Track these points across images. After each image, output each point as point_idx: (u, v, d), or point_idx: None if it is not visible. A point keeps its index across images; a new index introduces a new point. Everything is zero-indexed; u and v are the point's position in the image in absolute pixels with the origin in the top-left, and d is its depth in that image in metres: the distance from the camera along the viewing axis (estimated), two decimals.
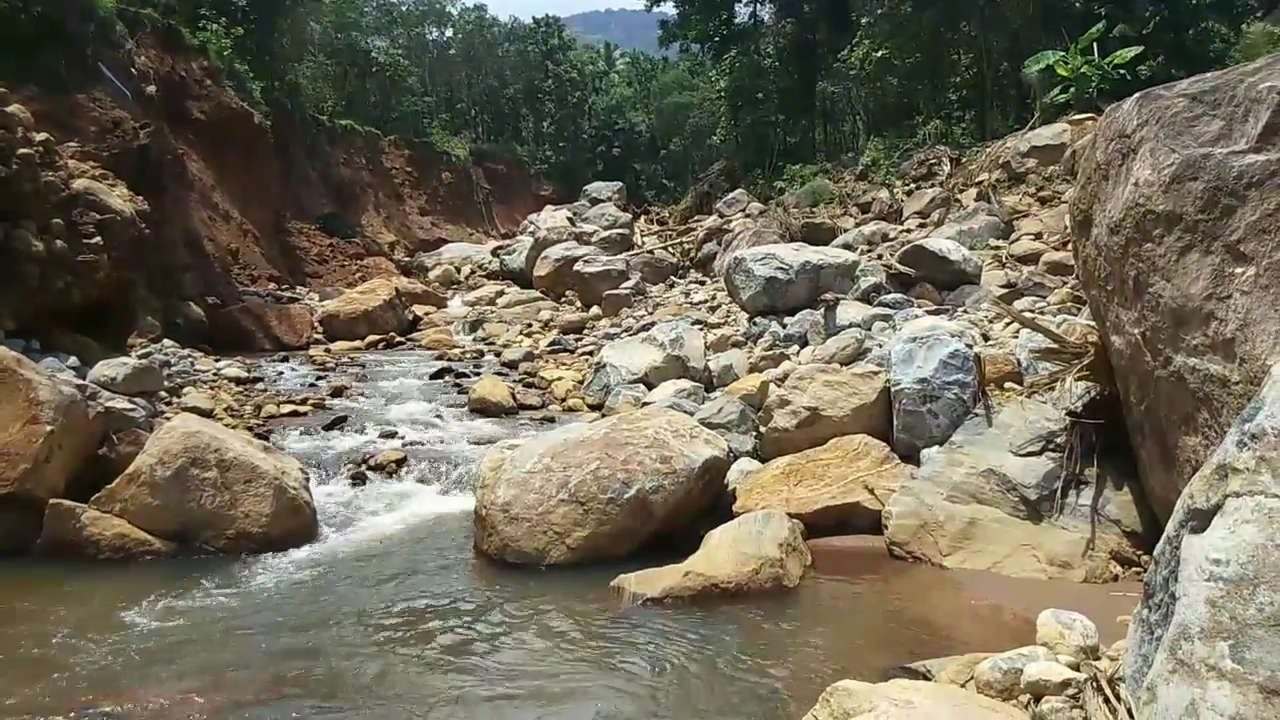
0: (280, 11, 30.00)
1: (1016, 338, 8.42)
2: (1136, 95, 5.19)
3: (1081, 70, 17.11)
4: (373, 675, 4.49)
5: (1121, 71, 16.70)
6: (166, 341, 13.53)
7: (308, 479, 7.13)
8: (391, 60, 40.13)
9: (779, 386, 7.87)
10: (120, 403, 7.33)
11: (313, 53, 36.26)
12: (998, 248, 13.98)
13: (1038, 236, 14.07)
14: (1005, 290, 11.47)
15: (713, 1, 29.85)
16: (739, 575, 5.43)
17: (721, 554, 5.62)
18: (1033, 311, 10.03)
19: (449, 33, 48.93)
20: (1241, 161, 4.40)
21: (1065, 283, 11.03)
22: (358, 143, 35.63)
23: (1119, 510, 5.76)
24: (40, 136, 9.87)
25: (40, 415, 6.25)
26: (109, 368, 8.85)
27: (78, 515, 6.11)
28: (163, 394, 9.71)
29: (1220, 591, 2.48)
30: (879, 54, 22.64)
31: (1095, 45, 17.35)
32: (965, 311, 10.33)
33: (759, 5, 30.50)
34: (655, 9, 31.75)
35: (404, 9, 46.20)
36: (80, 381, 7.42)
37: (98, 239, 10.07)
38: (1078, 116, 16.47)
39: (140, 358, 10.91)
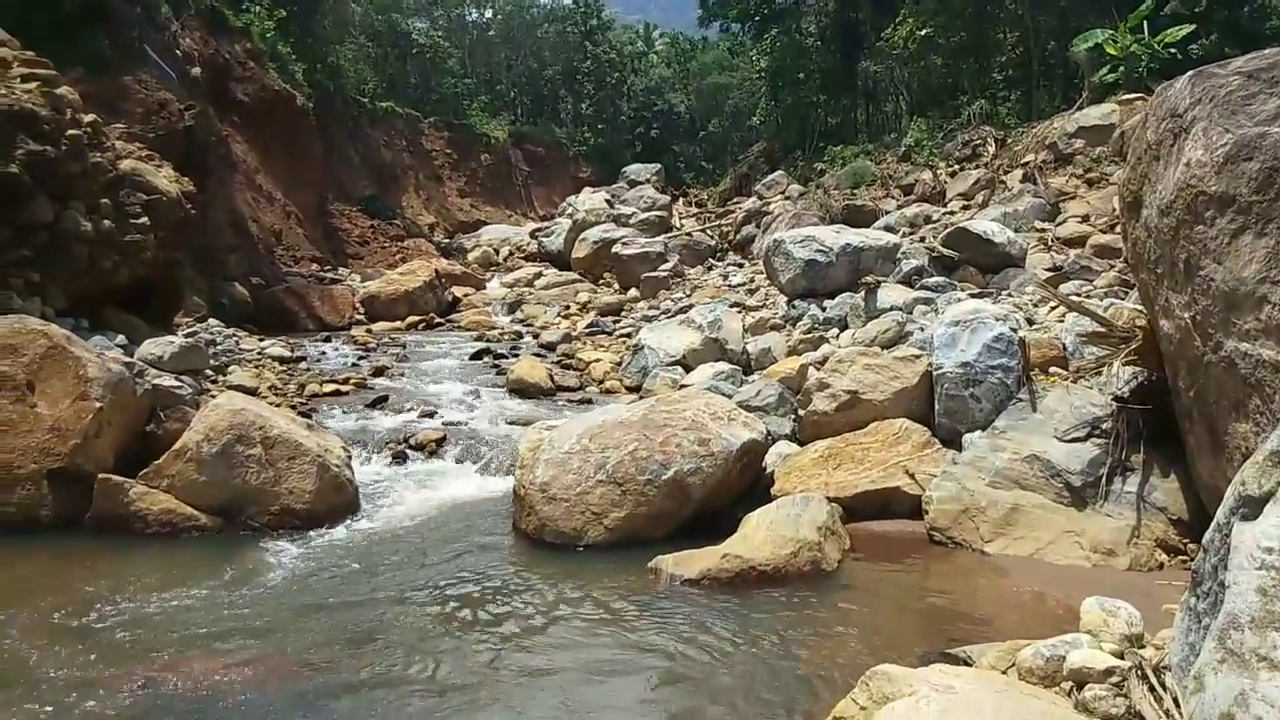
0: None
1: (1062, 321, 8.29)
2: (1189, 73, 5.06)
3: (1131, 49, 16.71)
4: (414, 651, 4.54)
5: (1173, 50, 16.29)
6: (212, 321, 13.75)
7: (350, 457, 7.21)
8: (431, 42, 40.18)
9: (818, 369, 7.82)
10: (167, 380, 7.46)
11: (354, 35, 36.39)
12: (1043, 230, 13.74)
13: (1085, 219, 13.80)
14: (1051, 273, 11.27)
15: None
16: (776, 558, 5.41)
17: (759, 537, 5.60)
18: (1079, 295, 9.87)
19: (489, 14, 48.83)
20: None
21: (1112, 266, 10.83)
22: (398, 125, 35.78)
23: (1165, 497, 5.66)
24: (88, 118, 10.01)
25: (90, 392, 6.38)
26: (156, 346, 9.00)
27: (126, 490, 6.23)
28: (208, 372, 9.87)
29: (1272, 580, 2.43)
30: (923, 32, 22.28)
31: (1145, 23, 16.93)
32: (1010, 295, 10.19)
33: None
34: None
35: None
36: (128, 359, 7.56)
37: (145, 219, 10.21)
38: (1127, 96, 16.11)
39: (186, 337, 11.09)
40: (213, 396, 7.99)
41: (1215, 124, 4.70)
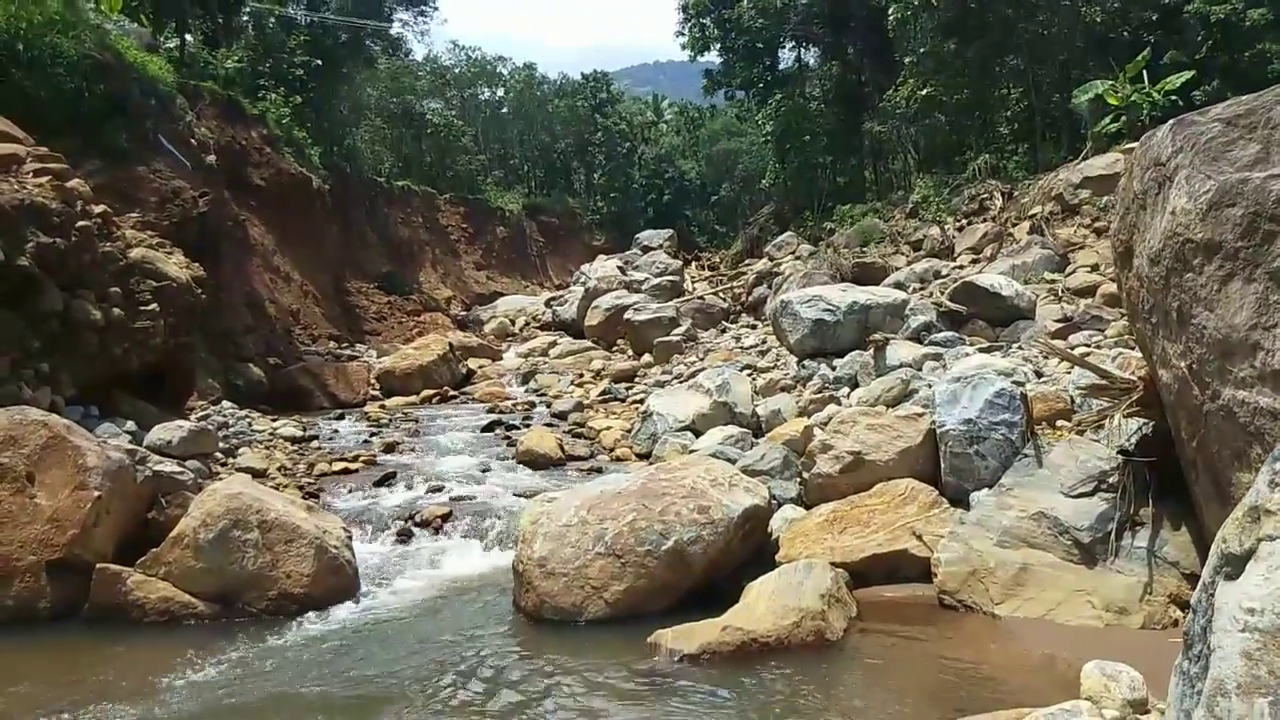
0: (337, 79, 30.97)
1: (1070, 374, 8.19)
2: (1171, 122, 5.05)
3: (1131, 98, 16.81)
4: None
5: (1174, 98, 16.36)
6: (225, 403, 13.81)
7: (349, 537, 7.13)
8: (445, 121, 41.11)
9: (822, 431, 7.73)
10: (169, 466, 7.46)
11: (369, 117, 37.32)
12: (1053, 281, 13.70)
13: (1094, 268, 13.75)
14: (1061, 324, 11.19)
15: (756, 49, 30.06)
16: (779, 629, 5.28)
17: (761, 606, 5.48)
18: (1089, 345, 9.77)
19: (500, 92, 50.06)
20: None
21: (1123, 314, 10.72)
22: (414, 202, 36.43)
23: (1177, 551, 5.50)
24: (99, 209, 10.22)
25: (89, 481, 6.38)
26: (165, 431, 9.06)
27: (123, 579, 6.19)
28: (218, 455, 9.88)
29: (1256, 643, 2.32)
30: (925, 92, 22.53)
31: (1144, 73, 17.05)
32: (1019, 348, 10.10)
33: (803, 49, 30.64)
34: (700, 59, 32.08)
35: (456, 71, 47.39)
36: (130, 446, 7.59)
37: (154, 306, 10.34)
38: (1130, 145, 16.09)
39: (198, 420, 11.17)
40: (220, 479, 7.99)
41: (1198, 171, 4.67)
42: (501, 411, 14.52)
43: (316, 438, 12.35)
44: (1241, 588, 2.43)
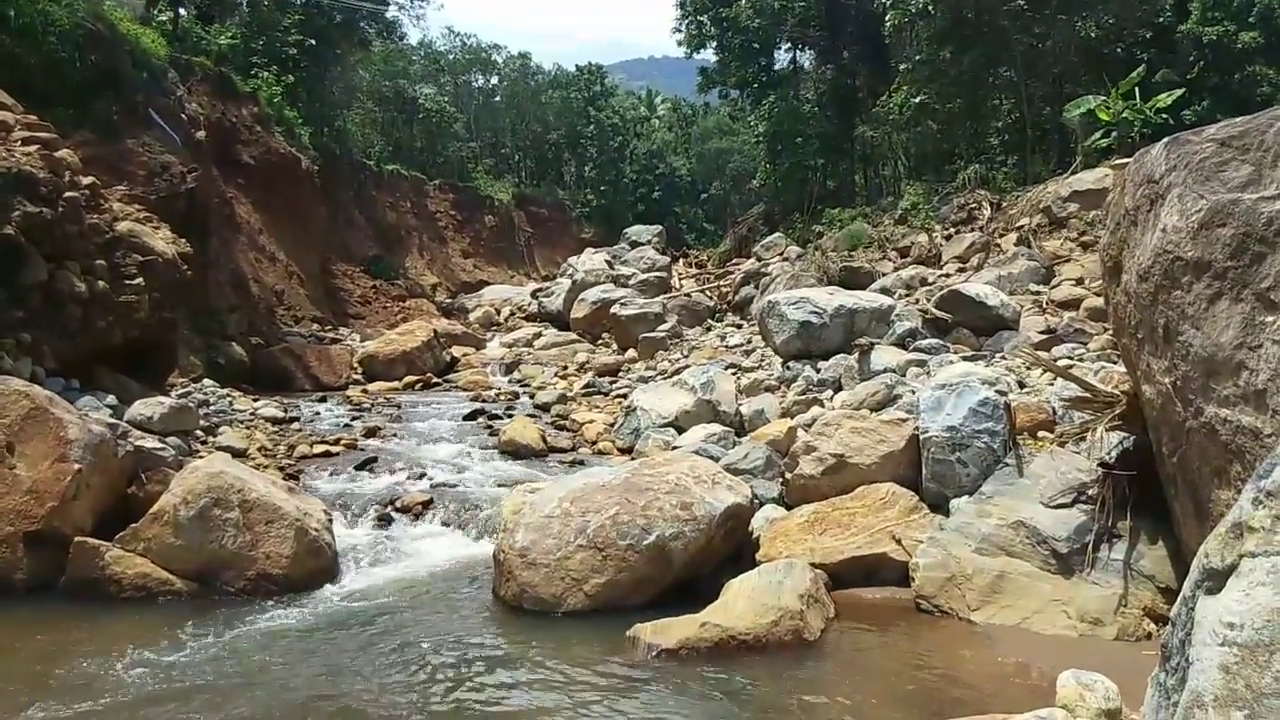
0: (330, 61, 30.76)
1: (1053, 385, 8.26)
2: (1165, 140, 5.10)
3: (1123, 114, 16.92)
4: None
5: (1164, 116, 16.48)
6: (207, 381, 13.72)
7: (330, 520, 7.12)
8: (438, 107, 40.90)
9: (806, 432, 7.76)
10: (150, 442, 7.42)
11: (361, 100, 37.08)
12: (1038, 293, 13.78)
13: (1079, 282, 13.85)
14: (1045, 336, 11.26)
15: (752, 48, 30.07)
16: (757, 627, 5.31)
17: (740, 604, 5.50)
18: (1071, 358, 9.84)
19: (494, 80, 49.89)
20: (1272, 208, 4.29)
21: (1106, 329, 10.80)
22: (404, 187, 36.23)
23: (1153, 565, 5.57)
24: (87, 180, 10.13)
25: (69, 454, 6.34)
26: (146, 407, 9.00)
27: (101, 553, 6.15)
28: (198, 433, 9.82)
29: (1235, 657, 2.36)
30: (918, 99, 22.57)
31: (1137, 90, 17.17)
32: (1003, 357, 10.17)
33: (798, 51, 30.69)
34: (695, 56, 32.07)
35: (451, 57, 47.17)
36: (111, 420, 7.53)
37: (139, 280, 10.26)
38: (1120, 161, 16.22)
39: (179, 397, 11.09)
40: (200, 457, 7.94)
41: (1190, 190, 4.72)
42: (484, 400, 14.50)
43: (297, 419, 12.29)
44: (1222, 602, 2.47)
